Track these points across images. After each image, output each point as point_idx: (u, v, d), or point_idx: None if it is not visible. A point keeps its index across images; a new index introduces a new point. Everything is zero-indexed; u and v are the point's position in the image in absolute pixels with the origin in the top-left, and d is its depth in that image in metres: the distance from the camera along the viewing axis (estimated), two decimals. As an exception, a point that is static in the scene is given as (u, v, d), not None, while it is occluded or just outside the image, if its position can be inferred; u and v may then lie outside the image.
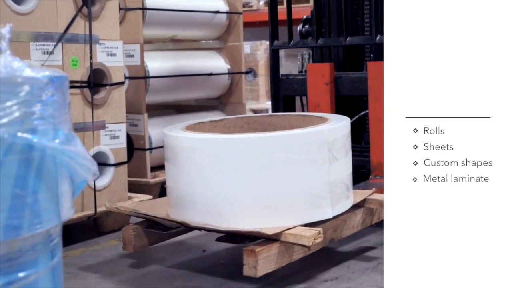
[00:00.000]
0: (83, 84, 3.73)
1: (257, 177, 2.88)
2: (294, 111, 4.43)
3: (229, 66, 5.28)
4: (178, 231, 3.22)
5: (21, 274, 1.77)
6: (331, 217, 3.01)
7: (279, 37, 4.38)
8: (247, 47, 7.94)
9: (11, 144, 1.69)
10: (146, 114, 4.52)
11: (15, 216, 1.71)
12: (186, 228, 3.11)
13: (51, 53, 3.53)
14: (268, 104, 7.61)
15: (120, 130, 3.97)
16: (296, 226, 2.86)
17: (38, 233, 1.79)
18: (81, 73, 3.72)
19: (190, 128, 3.31)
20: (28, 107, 1.74)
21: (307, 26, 4.50)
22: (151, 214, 3.13)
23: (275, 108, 4.41)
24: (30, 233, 1.75)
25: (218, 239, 2.99)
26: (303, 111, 4.53)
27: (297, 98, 4.53)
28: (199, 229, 3.04)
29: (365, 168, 4.04)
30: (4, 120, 1.68)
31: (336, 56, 4.34)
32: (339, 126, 3.11)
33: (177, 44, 5.39)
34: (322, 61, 4.36)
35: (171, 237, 3.32)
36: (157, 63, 4.79)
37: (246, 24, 5.74)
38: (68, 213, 1.93)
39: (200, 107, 5.40)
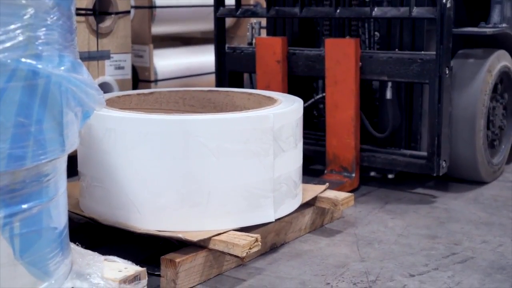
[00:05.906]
0: (88, 12, 3.62)
1: (182, 168, 2.34)
2: None
3: (237, -2, 5.15)
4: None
5: (24, 206, 1.71)
6: (273, 220, 2.52)
7: (225, 3, 3.73)
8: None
9: (14, 70, 1.61)
10: (151, 45, 4.41)
11: (18, 145, 1.64)
12: (97, 224, 2.58)
13: (55, -22, 3.42)
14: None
15: (125, 61, 3.88)
16: (229, 231, 2.36)
17: (42, 164, 1.72)
18: (86, 0, 3.60)
19: (110, 102, 2.75)
20: (32, 31, 1.65)
21: None
22: None
23: (219, 86, 3.78)
24: (34, 164, 1.68)
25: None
26: None
27: (246, 75, 3.91)
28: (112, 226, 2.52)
29: (320, 159, 3.47)
30: (7, 44, 1.59)
31: (291, 29, 3.71)
32: (288, 110, 2.56)
33: (184, -26, 5.24)
34: (274, 34, 3.73)
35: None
36: (164, -8, 4.65)
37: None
38: (73, 144, 1.86)
39: (206, 39, 5.28)
